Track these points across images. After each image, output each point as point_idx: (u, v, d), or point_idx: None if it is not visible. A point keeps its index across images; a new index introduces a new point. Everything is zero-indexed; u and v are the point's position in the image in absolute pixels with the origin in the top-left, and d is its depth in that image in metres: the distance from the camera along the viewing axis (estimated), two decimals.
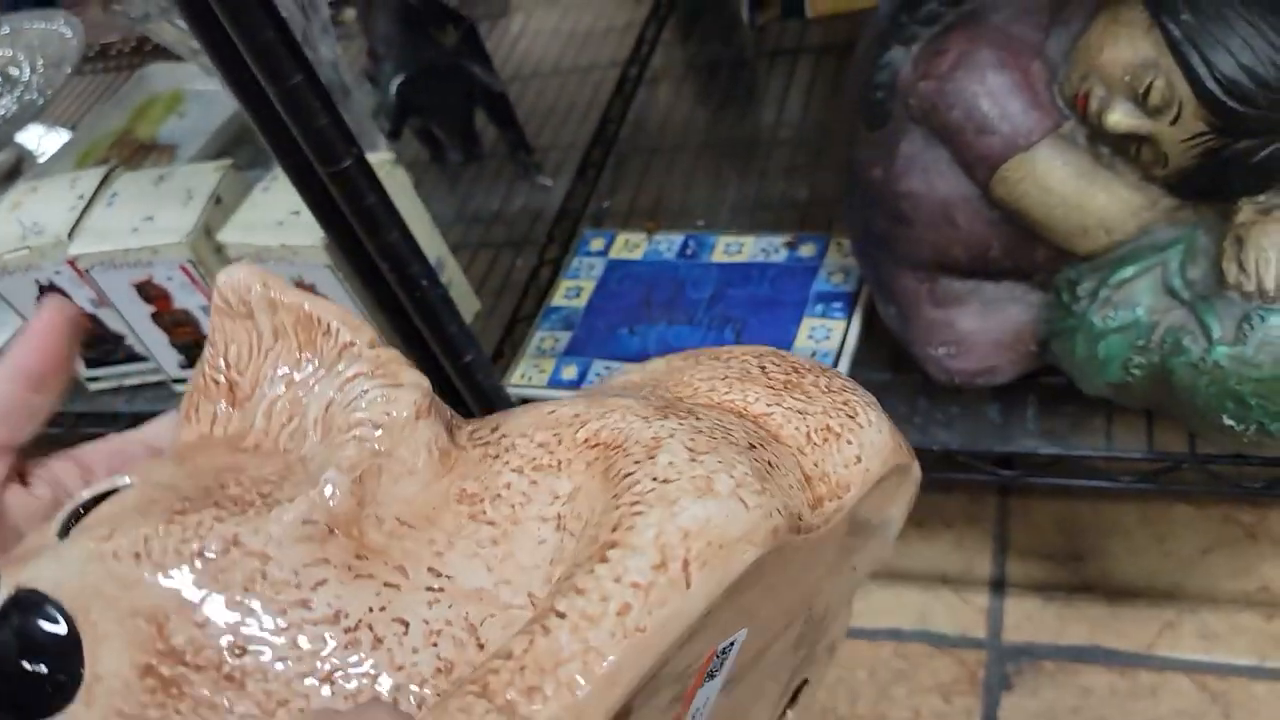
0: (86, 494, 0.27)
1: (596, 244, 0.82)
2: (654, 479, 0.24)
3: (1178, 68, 0.47)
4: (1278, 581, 0.67)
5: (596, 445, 0.26)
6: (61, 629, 0.24)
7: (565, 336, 0.76)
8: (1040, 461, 0.59)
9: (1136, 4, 0.49)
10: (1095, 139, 0.52)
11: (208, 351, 0.30)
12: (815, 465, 0.28)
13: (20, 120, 1.05)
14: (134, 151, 1.00)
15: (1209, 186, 0.50)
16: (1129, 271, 0.53)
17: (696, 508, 0.23)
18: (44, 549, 0.26)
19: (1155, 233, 0.53)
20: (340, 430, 0.27)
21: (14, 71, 1.08)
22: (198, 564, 0.25)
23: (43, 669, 0.24)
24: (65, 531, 0.26)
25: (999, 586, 0.73)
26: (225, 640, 0.24)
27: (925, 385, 0.65)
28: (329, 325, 0.28)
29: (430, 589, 0.26)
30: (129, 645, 0.24)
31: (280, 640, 0.25)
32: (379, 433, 0.26)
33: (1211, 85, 0.46)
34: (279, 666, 0.24)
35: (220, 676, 0.24)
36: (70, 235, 0.76)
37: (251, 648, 0.24)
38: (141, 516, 0.25)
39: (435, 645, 0.25)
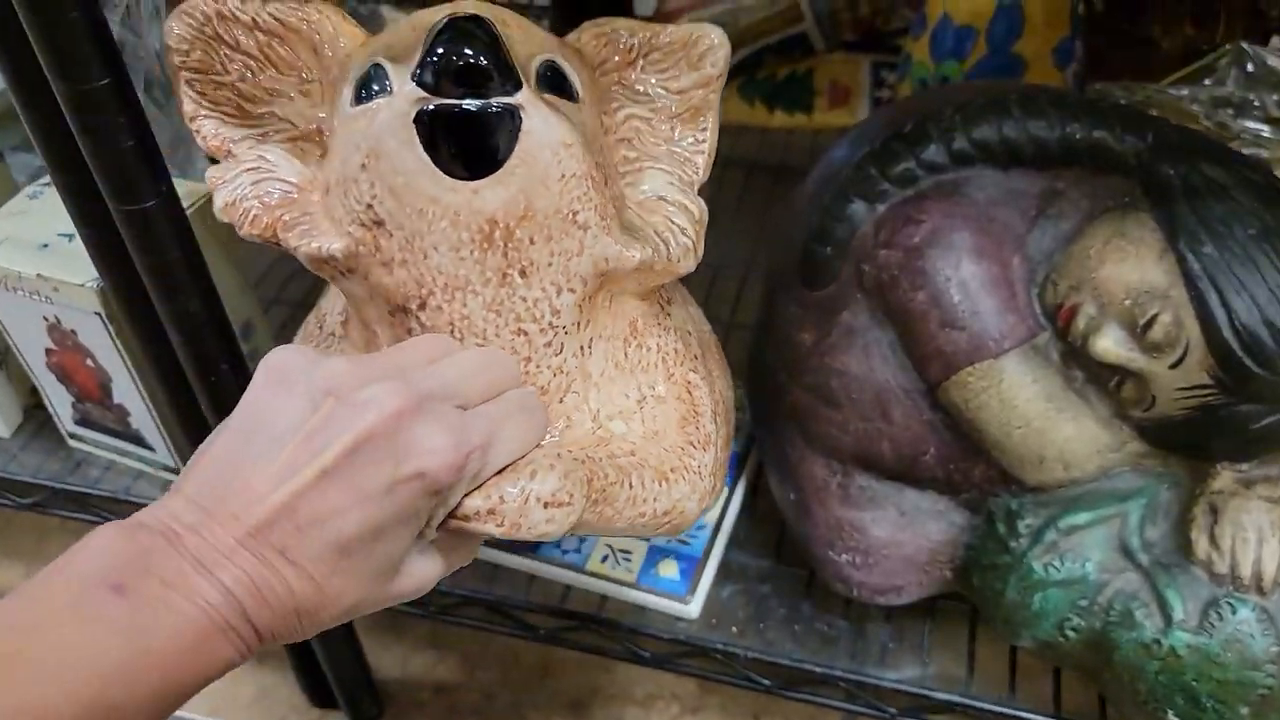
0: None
1: None
2: (701, 466, 0.42)
3: (1191, 305, 0.40)
4: None
5: (690, 393, 0.43)
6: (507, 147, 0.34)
7: None
8: (930, 705, 0.51)
9: (1149, 222, 0.42)
10: (1070, 359, 0.45)
11: (644, 31, 0.40)
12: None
13: None
14: None
15: (1190, 442, 0.44)
16: (1082, 518, 0.45)
17: (693, 502, 0.42)
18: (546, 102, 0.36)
19: (1116, 478, 0.46)
20: (651, 228, 0.39)
21: None
22: (565, 224, 0.36)
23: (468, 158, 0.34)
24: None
25: None
26: (517, 267, 0.36)
27: (811, 586, 0.56)
28: (702, 131, 0.41)
29: (581, 348, 0.39)
30: (513, 196, 0.35)
31: (534, 294, 0.37)
32: (664, 257, 0.38)
33: (1228, 335, 0.40)
34: (522, 305, 0.37)
35: (500, 275, 0.36)
36: None
37: (515, 285, 0.37)
38: (588, 142, 0.37)
39: (553, 378, 0.39)
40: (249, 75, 0.38)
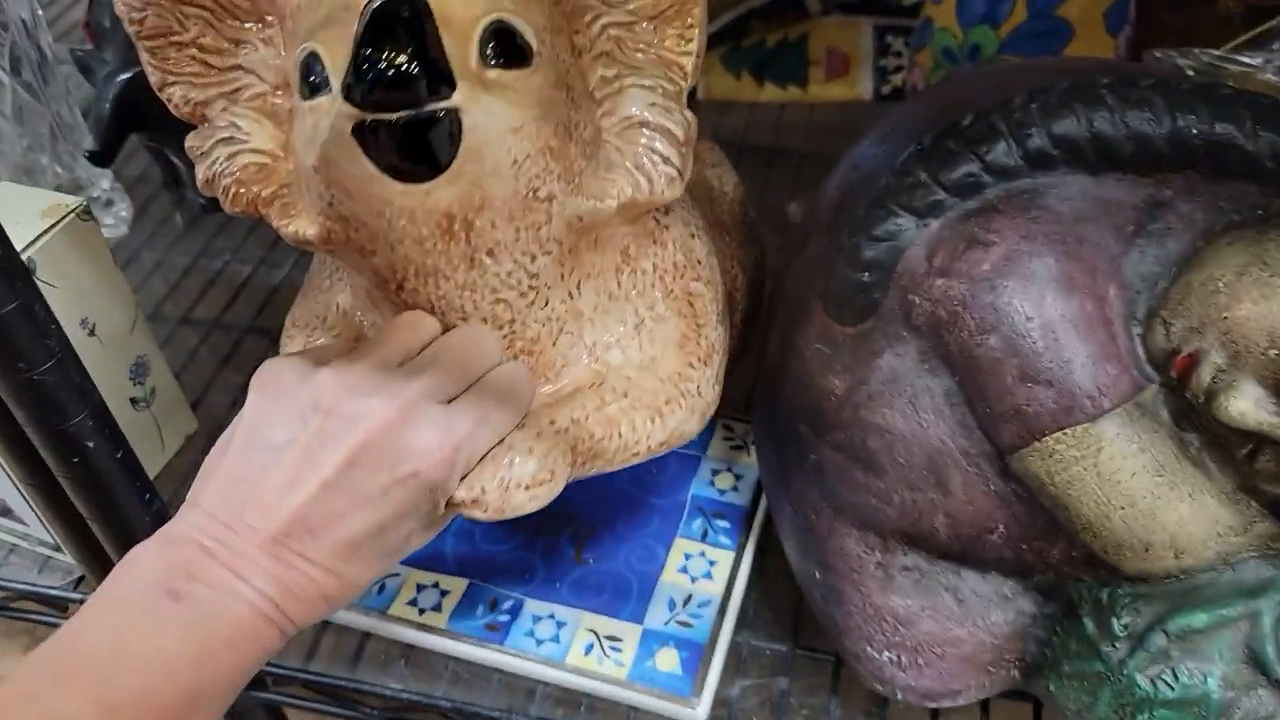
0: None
1: None
2: (701, 383, 0.42)
3: None
4: None
5: (692, 305, 0.42)
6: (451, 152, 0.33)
7: None
8: None
9: None
10: (1184, 419, 0.35)
11: None
12: None
13: None
14: None
15: None
16: (1200, 619, 0.36)
17: (692, 424, 0.41)
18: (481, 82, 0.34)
19: (1241, 568, 0.36)
20: (631, 160, 0.37)
21: None
22: (527, 203, 0.36)
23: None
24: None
25: None
26: (484, 250, 0.36)
27: (839, 677, 0.46)
28: (689, 29, 0.37)
29: (569, 294, 0.39)
30: (466, 191, 0.34)
31: (507, 268, 0.37)
32: (646, 193, 0.37)
33: None
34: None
35: (468, 260, 0.36)
36: None
37: (485, 265, 0.36)
38: (544, 110, 0.35)
39: (543, 327, 0.39)
40: (209, 29, 0.37)
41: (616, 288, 0.41)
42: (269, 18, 0.37)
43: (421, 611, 0.47)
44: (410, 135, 0.32)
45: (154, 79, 0.37)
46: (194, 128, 0.38)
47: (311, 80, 0.34)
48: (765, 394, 0.46)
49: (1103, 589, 0.38)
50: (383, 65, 0.31)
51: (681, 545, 0.49)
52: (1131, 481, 0.35)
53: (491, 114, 0.33)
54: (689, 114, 0.37)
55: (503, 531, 0.50)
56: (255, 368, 0.60)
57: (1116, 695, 0.37)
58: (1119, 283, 0.36)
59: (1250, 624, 0.36)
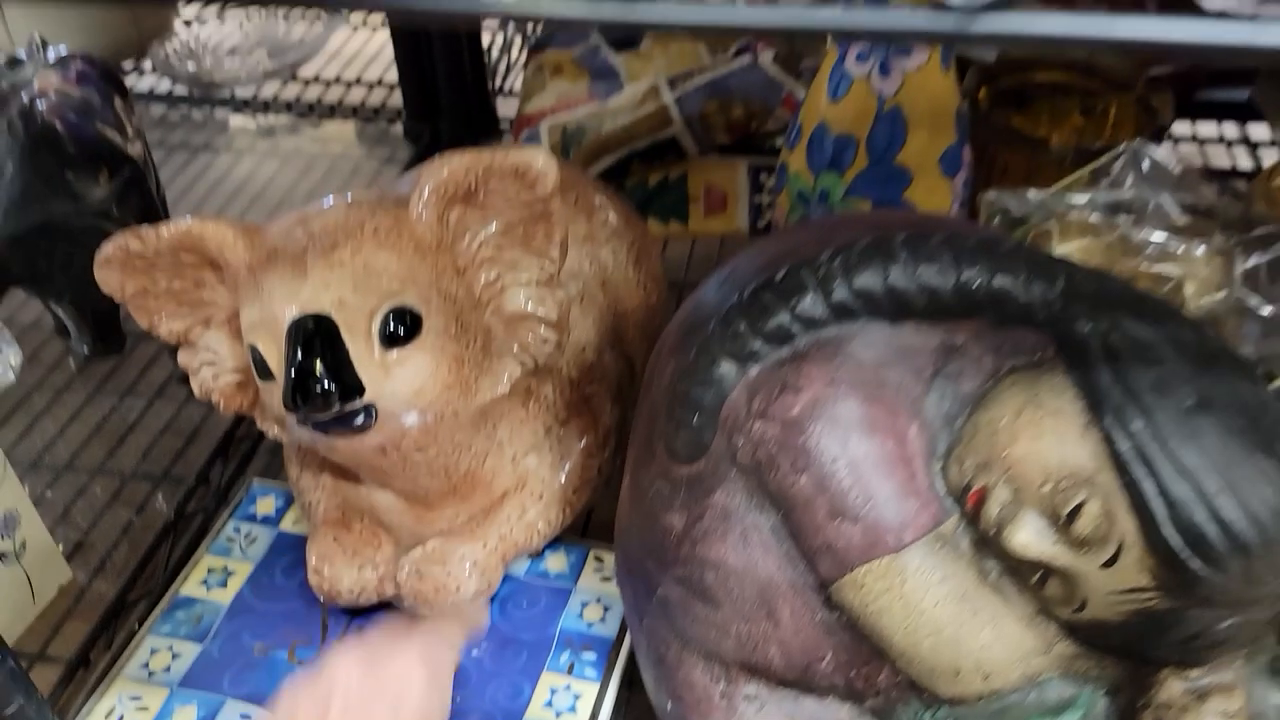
0: None
1: (265, 505, 0.59)
2: (600, 463, 0.54)
3: (1124, 495, 0.34)
4: None
5: (588, 405, 0.54)
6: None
7: (189, 652, 0.51)
8: None
9: (1067, 388, 0.36)
10: (983, 547, 0.38)
11: (477, 165, 0.44)
12: None
13: None
14: None
15: (1131, 646, 0.36)
16: None
17: (595, 496, 0.56)
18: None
19: (1045, 687, 0.38)
20: (519, 345, 0.47)
21: None
22: (440, 420, 0.46)
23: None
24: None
25: None
26: (413, 448, 0.47)
27: None
28: (552, 228, 0.45)
29: (487, 435, 0.50)
30: (389, 434, 0.45)
31: (432, 452, 0.47)
32: (532, 366, 0.47)
33: (1170, 533, 0.33)
34: None
35: (402, 461, 0.47)
36: None
37: (416, 461, 0.47)
38: (438, 359, 0.44)
39: (470, 462, 0.49)
40: (175, 279, 0.47)
41: (525, 413, 0.51)
42: (217, 263, 0.46)
43: None
44: (337, 423, 0.43)
45: (143, 322, 0.48)
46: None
47: (257, 364, 0.44)
48: (621, 529, 0.48)
49: (927, 711, 0.40)
50: (307, 387, 0.41)
51: (548, 680, 0.50)
52: (936, 610, 0.37)
53: (396, 392, 0.43)
54: (559, 292, 0.47)
55: None
56: (139, 512, 0.62)
57: None
58: (920, 421, 0.39)
59: None
